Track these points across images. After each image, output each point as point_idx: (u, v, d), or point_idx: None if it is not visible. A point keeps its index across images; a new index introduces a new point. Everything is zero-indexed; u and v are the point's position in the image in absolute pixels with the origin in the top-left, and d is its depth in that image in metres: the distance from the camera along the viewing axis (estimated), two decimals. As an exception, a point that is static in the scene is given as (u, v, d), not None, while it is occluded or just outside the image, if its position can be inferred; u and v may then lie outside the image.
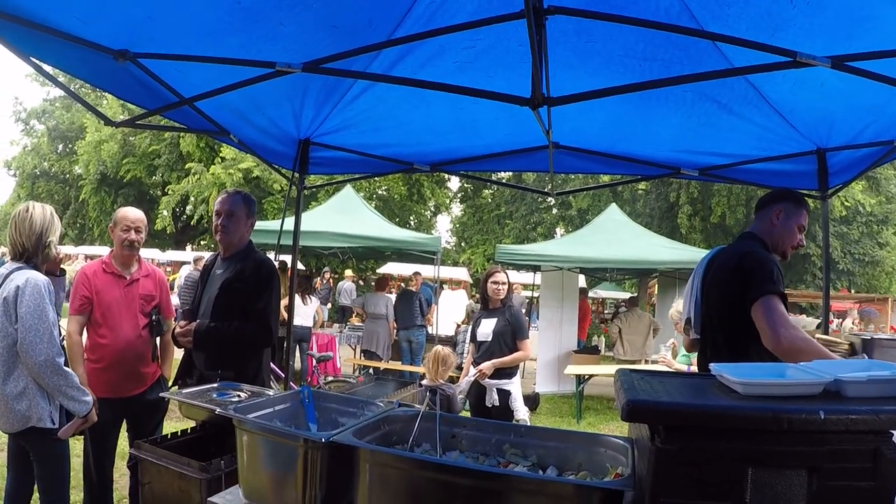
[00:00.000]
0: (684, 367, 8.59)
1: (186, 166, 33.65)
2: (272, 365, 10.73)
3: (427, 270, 18.46)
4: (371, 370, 15.16)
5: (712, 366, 2.42)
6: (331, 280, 25.45)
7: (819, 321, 8.52)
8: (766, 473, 1.89)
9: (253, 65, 4.20)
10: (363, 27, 4.46)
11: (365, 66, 5.03)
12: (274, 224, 13.13)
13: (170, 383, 5.72)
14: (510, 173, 32.20)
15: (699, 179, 7.22)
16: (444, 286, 26.15)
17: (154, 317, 5.61)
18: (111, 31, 4.03)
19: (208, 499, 3.00)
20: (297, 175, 7.03)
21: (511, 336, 7.47)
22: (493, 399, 7.30)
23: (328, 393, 3.71)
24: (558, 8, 3.41)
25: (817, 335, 5.67)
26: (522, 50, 4.57)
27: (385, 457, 2.49)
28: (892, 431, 1.97)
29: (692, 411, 1.97)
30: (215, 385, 4.25)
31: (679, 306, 9.01)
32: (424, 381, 7.30)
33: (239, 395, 3.94)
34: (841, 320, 25.70)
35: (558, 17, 3.45)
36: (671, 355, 9.50)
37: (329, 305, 21.20)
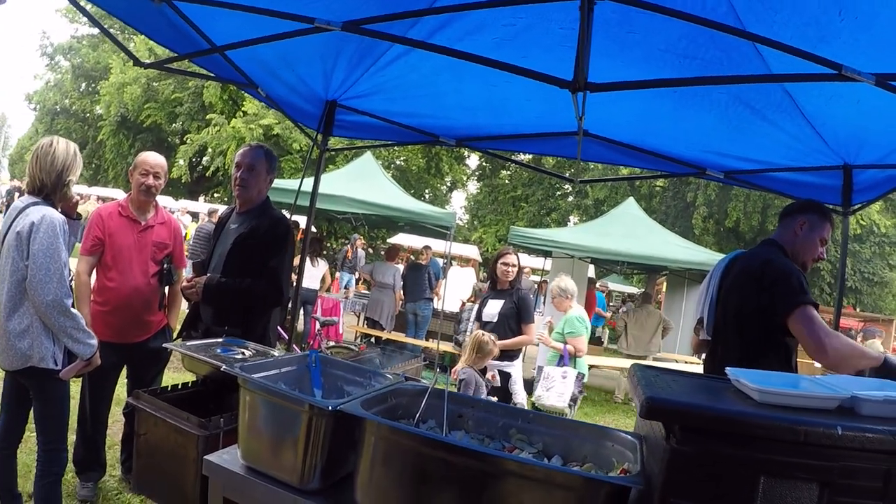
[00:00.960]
0: (560, 346, 8.60)
1: (207, 117, 33.76)
2: (281, 331, 10.80)
3: (438, 245, 18.41)
4: (373, 339, 15.16)
5: (729, 370, 2.41)
6: (363, 248, 25.15)
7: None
8: (777, 483, 1.88)
9: (292, 18, 4.12)
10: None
11: (403, 33, 4.97)
12: (290, 183, 13.10)
13: (174, 334, 5.72)
14: (530, 156, 32.14)
15: (724, 182, 7.18)
16: (454, 262, 26.14)
17: (165, 265, 5.60)
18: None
19: (204, 457, 2.97)
20: (320, 136, 6.99)
21: (516, 319, 7.48)
22: (489, 380, 7.26)
23: (336, 359, 3.68)
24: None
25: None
26: (563, 33, 4.54)
27: (391, 431, 2.46)
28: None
29: (711, 414, 1.96)
30: (220, 340, 4.20)
31: (561, 282, 9.04)
32: (459, 366, 7.27)
33: (243, 353, 3.90)
34: (860, 337, 25.77)
35: (604, 3, 3.42)
36: (547, 332, 9.47)
37: (357, 276, 21.04)
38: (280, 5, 4.12)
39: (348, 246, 22.00)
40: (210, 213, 18.62)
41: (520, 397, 7.55)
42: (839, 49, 3.95)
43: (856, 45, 3.96)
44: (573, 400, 7.91)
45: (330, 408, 2.55)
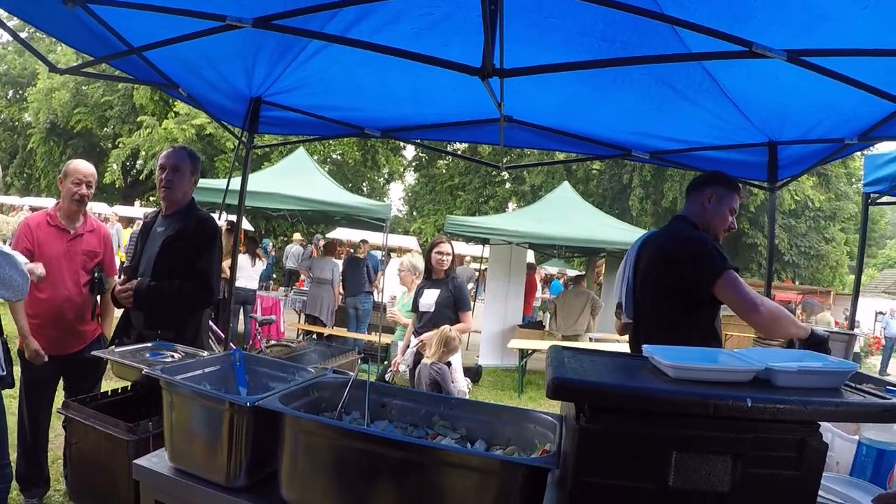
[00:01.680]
0: (407, 321, 8.68)
1: (139, 119, 33.35)
2: (213, 326, 10.70)
3: (376, 238, 18.41)
4: (314, 335, 15.11)
5: (645, 347, 2.43)
6: (302, 245, 25.03)
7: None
8: (690, 457, 1.90)
9: (203, 17, 4.08)
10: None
11: (321, 27, 4.92)
12: (222, 182, 12.98)
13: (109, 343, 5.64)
14: (466, 144, 32.18)
15: (649, 162, 7.26)
16: (393, 254, 26.12)
17: (96, 274, 5.52)
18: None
19: (134, 461, 2.93)
20: (246, 133, 6.92)
21: (453, 307, 7.49)
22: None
23: (261, 357, 3.67)
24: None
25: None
26: (479, 20, 4.54)
27: (309, 424, 2.46)
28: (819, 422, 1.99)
29: (617, 392, 1.97)
30: (149, 345, 4.15)
31: (413, 258, 9.20)
32: (425, 360, 7.30)
33: (173, 356, 3.87)
34: (799, 309, 26.36)
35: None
36: (394, 307, 9.64)
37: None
38: (191, 4, 4.07)
39: (312, 246, 21.92)
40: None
41: (461, 385, 7.55)
42: (755, 28, 4.03)
43: (771, 23, 4.04)
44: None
45: (248, 404, 2.54)
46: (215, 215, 6.89)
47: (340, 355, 5.34)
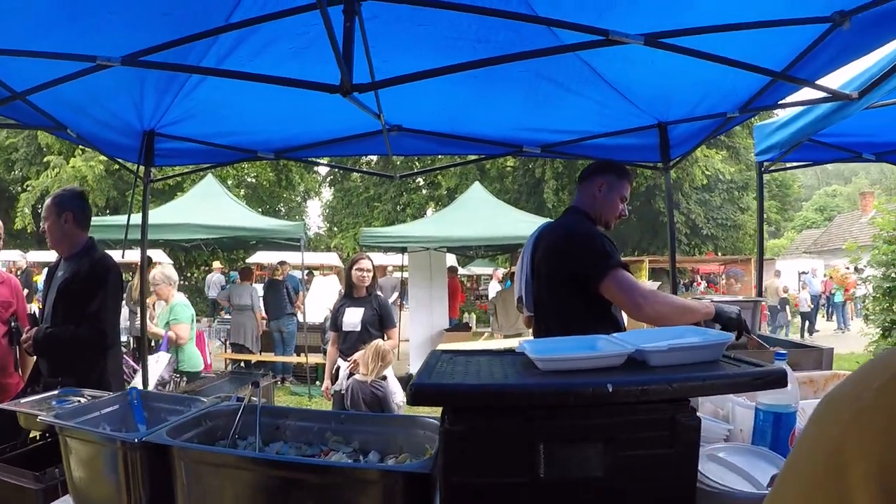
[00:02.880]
0: (161, 332, 8.89)
1: (45, 159, 32.63)
2: (130, 361, 10.54)
3: (296, 258, 18.36)
4: (241, 363, 15.01)
5: (519, 342, 2.45)
6: (221, 273, 24.77)
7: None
8: (558, 447, 1.92)
9: (74, 58, 4.05)
10: (196, 16, 4.33)
11: (200, 57, 4.94)
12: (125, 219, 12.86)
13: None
14: (375, 157, 32.14)
15: (541, 156, 7.36)
16: (316, 273, 26.03)
17: (13, 324, 5.43)
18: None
19: (43, 509, 2.90)
20: (142, 168, 6.84)
21: (379, 325, 7.52)
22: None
23: (158, 393, 3.70)
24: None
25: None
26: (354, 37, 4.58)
27: (195, 454, 2.44)
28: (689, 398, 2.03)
29: (472, 392, 1.99)
30: (56, 392, 4.09)
31: (165, 269, 9.59)
32: (357, 376, 7.25)
33: (80, 401, 3.83)
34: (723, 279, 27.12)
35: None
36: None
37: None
38: (67, 46, 4.02)
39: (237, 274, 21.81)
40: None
41: (399, 398, 7.59)
42: (621, 16, 4.21)
43: (635, 11, 4.25)
44: (162, 384, 8.01)
45: (136, 440, 2.51)
46: (117, 253, 6.78)
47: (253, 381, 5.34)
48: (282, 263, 17.16)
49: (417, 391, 1.96)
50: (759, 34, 3.98)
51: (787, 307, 28.93)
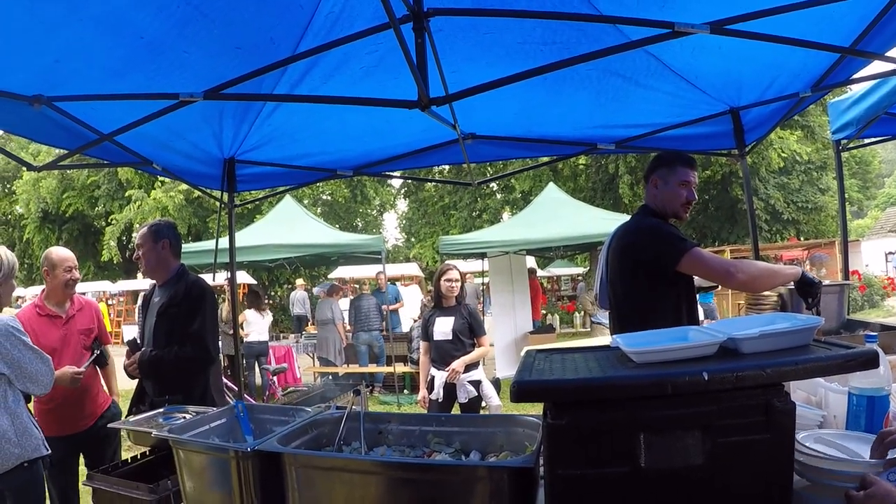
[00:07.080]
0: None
1: (127, 194, 33.51)
2: (227, 381, 10.78)
3: (389, 270, 18.51)
4: (330, 376, 15.18)
5: (612, 338, 2.50)
6: (305, 290, 25.10)
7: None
8: (658, 438, 1.97)
9: (158, 97, 4.25)
10: (266, 46, 4.46)
11: (273, 84, 5.10)
12: (212, 244, 13.13)
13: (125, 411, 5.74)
14: (448, 166, 32.18)
15: (616, 152, 7.35)
16: (399, 283, 26.18)
17: (97, 350, 5.62)
18: (23, 78, 4.05)
19: (158, 518, 3.04)
20: (226, 194, 7.04)
21: (470, 333, 7.61)
22: (467, 393, 7.47)
23: (262, 405, 3.82)
24: (438, 9, 3.48)
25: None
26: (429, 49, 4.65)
27: (306, 459, 2.60)
28: (784, 383, 2.06)
29: (573, 387, 2.06)
30: (161, 410, 4.28)
31: None
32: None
33: (185, 417, 3.97)
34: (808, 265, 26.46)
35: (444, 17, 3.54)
36: None
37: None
38: (147, 86, 4.22)
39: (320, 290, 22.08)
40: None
41: (495, 400, 7.92)
42: (682, 6, 4.21)
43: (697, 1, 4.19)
44: None
45: (249, 449, 2.65)
46: (209, 276, 6.97)
47: (346, 393, 5.46)
48: (379, 274, 17.30)
49: (521, 389, 2.03)
50: (823, 10, 3.92)
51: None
